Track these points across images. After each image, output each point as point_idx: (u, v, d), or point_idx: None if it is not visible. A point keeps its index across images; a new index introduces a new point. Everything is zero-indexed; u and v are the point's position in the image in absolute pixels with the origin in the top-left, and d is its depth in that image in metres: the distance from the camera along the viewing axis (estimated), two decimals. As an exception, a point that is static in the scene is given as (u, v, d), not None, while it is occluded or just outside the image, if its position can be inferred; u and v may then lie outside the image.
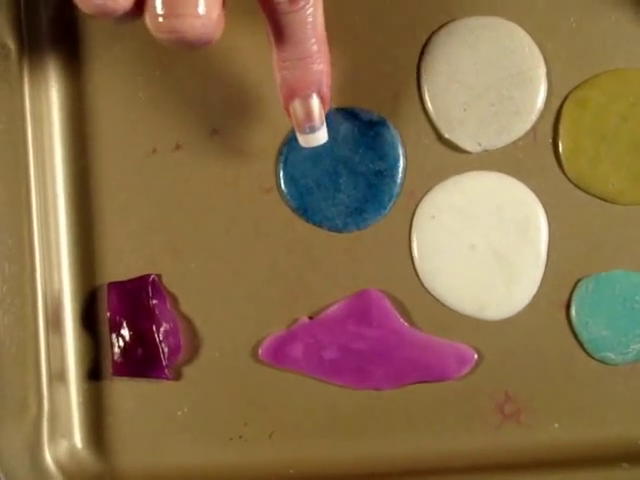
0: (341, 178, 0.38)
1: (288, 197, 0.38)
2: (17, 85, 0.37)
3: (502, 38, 0.38)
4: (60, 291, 0.38)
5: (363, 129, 0.38)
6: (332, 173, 0.38)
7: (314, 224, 0.38)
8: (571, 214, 0.38)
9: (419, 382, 0.38)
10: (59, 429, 0.38)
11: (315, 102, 0.34)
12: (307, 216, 0.38)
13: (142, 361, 0.38)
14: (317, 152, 0.37)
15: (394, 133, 0.38)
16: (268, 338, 0.38)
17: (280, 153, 0.38)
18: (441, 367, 0.37)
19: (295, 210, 0.38)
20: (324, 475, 0.37)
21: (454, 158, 0.38)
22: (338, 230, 0.38)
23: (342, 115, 0.38)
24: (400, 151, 0.38)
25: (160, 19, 0.29)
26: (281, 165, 0.38)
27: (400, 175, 0.38)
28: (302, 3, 0.32)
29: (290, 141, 0.38)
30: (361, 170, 0.38)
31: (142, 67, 0.38)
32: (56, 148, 0.38)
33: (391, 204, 0.38)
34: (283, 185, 0.38)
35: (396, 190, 0.38)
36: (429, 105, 0.38)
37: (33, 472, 0.37)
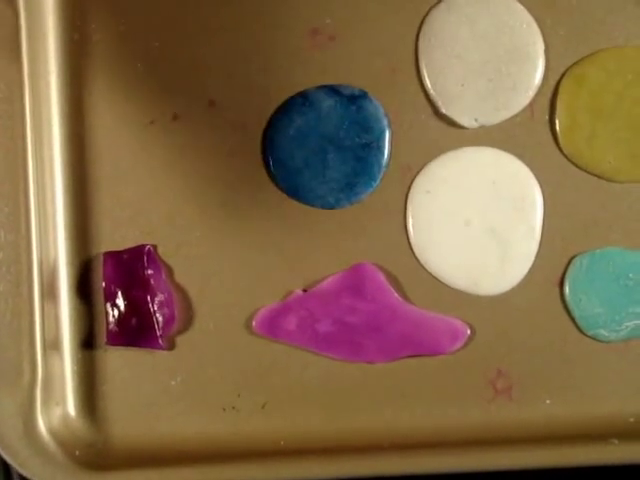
0: (328, 155, 0.38)
1: (278, 180, 0.38)
2: (15, 54, 0.37)
3: (501, 14, 0.38)
4: (56, 260, 0.38)
5: (345, 104, 0.38)
6: (319, 151, 0.38)
7: (306, 204, 0.38)
8: (567, 191, 0.38)
9: (412, 356, 0.38)
10: (53, 397, 0.38)
11: None
12: (299, 197, 0.38)
13: (136, 331, 0.38)
14: (302, 132, 0.37)
15: (377, 105, 0.38)
16: (262, 310, 0.38)
17: (265, 137, 0.38)
18: (434, 342, 0.38)
19: (286, 192, 0.38)
20: (315, 448, 0.37)
21: (451, 133, 0.38)
22: (331, 207, 0.38)
23: (323, 92, 0.38)
24: (385, 122, 0.38)
25: None
26: (268, 148, 0.38)
27: (387, 146, 0.38)
28: None
29: (275, 123, 0.38)
30: (347, 145, 0.38)
31: (141, 38, 0.38)
32: (54, 117, 0.38)
33: (381, 175, 0.38)
34: (272, 168, 0.38)
35: (385, 161, 0.38)
36: (426, 80, 0.38)
37: (26, 439, 0.37)
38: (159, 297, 0.38)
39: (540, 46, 0.38)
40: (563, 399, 0.38)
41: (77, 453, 0.37)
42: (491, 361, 0.38)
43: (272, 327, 0.38)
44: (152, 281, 0.38)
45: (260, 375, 0.38)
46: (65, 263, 0.38)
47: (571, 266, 0.38)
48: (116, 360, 0.38)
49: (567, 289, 0.38)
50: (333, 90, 0.38)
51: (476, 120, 0.38)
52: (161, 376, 0.38)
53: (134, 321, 0.38)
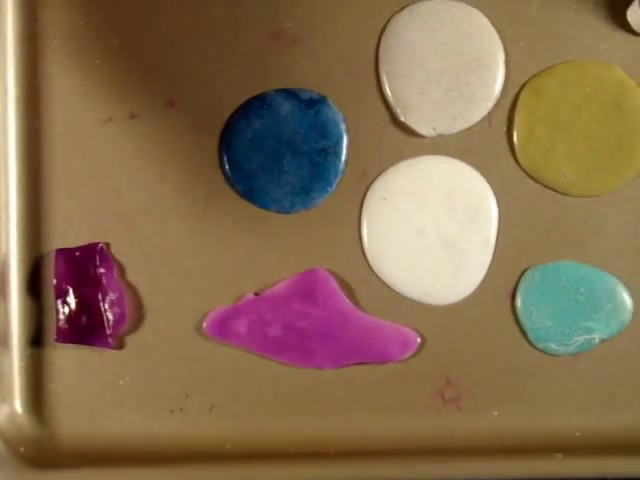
0: (285, 159, 0.38)
1: (234, 182, 0.38)
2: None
3: (462, 23, 0.38)
4: (7, 256, 0.38)
5: (303, 108, 0.38)
6: (275, 155, 0.38)
7: (262, 207, 0.38)
8: (522, 203, 0.38)
9: (361, 363, 0.38)
10: (0, 393, 0.38)
11: None
12: (254, 200, 0.38)
13: (86, 329, 0.38)
14: (260, 134, 0.37)
15: (335, 110, 0.37)
16: (213, 312, 0.38)
17: (223, 139, 0.38)
18: (384, 349, 0.37)
19: (242, 194, 0.38)
20: (261, 452, 0.37)
21: (408, 141, 0.38)
22: (286, 211, 0.38)
23: (282, 96, 0.38)
24: (342, 127, 0.37)
25: None
26: (224, 150, 0.38)
27: (344, 152, 0.38)
28: None
29: (232, 125, 0.38)
30: (304, 149, 0.38)
31: (101, 34, 0.38)
32: (9, 111, 0.38)
33: (337, 181, 0.38)
34: (228, 171, 0.38)
35: (341, 167, 0.38)
36: (386, 87, 0.38)
37: (-28, 434, 0.37)
38: (110, 296, 0.38)
39: (500, 57, 0.38)
40: (511, 411, 0.38)
41: (22, 450, 0.37)
42: (441, 371, 0.38)
43: (223, 330, 0.38)
44: (103, 279, 0.38)
45: (209, 378, 0.38)
46: (17, 259, 0.38)
47: (523, 278, 0.38)
48: (65, 358, 0.38)
49: (519, 301, 0.37)
50: (292, 94, 0.38)
51: (434, 129, 0.38)
52: (109, 375, 0.38)
53: (84, 319, 0.38)
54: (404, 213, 0.38)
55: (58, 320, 0.38)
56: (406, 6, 0.38)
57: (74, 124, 0.38)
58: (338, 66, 0.38)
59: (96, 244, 0.38)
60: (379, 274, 0.38)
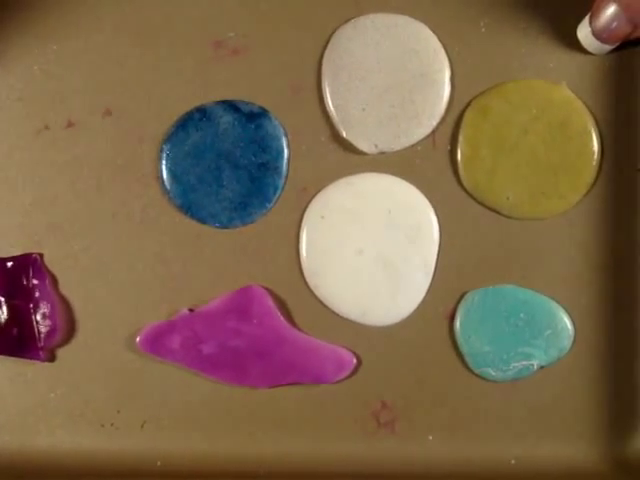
0: (224, 173, 0.37)
1: (171, 195, 0.37)
2: None
3: (408, 38, 0.37)
4: (-61, 263, 0.37)
5: (244, 121, 0.37)
6: (214, 168, 0.37)
7: (199, 221, 0.37)
8: (464, 224, 0.37)
9: (296, 383, 0.37)
10: None
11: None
12: (191, 213, 0.37)
13: (17, 341, 0.37)
14: (198, 147, 0.36)
15: (276, 124, 0.37)
16: (147, 327, 0.37)
17: (161, 150, 0.37)
18: (319, 370, 0.37)
19: (179, 208, 0.37)
20: (191, 470, 0.37)
21: (349, 158, 0.37)
22: (223, 226, 0.37)
23: (222, 108, 0.37)
24: (284, 142, 0.37)
25: None
26: (163, 162, 0.37)
27: (285, 167, 0.37)
28: None
29: (171, 137, 0.37)
30: (243, 164, 0.37)
31: (39, 40, 0.37)
32: (-57, 117, 0.37)
33: (276, 197, 0.37)
34: (166, 183, 0.37)
35: (281, 183, 0.37)
36: (329, 102, 0.37)
37: None
38: (42, 308, 0.37)
39: (446, 74, 0.37)
40: (446, 436, 0.37)
41: (-50, 463, 0.37)
42: (376, 393, 0.37)
43: (156, 345, 0.37)
44: (36, 291, 0.37)
45: (141, 393, 0.37)
46: (-52, 267, 0.37)
47: (463, 301, 0.37)
48: (-5, 369, 0.38)
49: (457, 325, 0.37)
50: (232, 106, 0.37)
51: (376, 146, 0.37)
52: (40, 388, 0.37)
53: (15, 331, 0.37)
54: (343, 231, 0.37)
55: (-11, 331, 0.37)
56: (350, 19, 0.37)
57: (10, 132, 0.37)
58: (280, 79, 0.37)
59: (30, 255, 0.37)
60: (316, 293, 0.37)
